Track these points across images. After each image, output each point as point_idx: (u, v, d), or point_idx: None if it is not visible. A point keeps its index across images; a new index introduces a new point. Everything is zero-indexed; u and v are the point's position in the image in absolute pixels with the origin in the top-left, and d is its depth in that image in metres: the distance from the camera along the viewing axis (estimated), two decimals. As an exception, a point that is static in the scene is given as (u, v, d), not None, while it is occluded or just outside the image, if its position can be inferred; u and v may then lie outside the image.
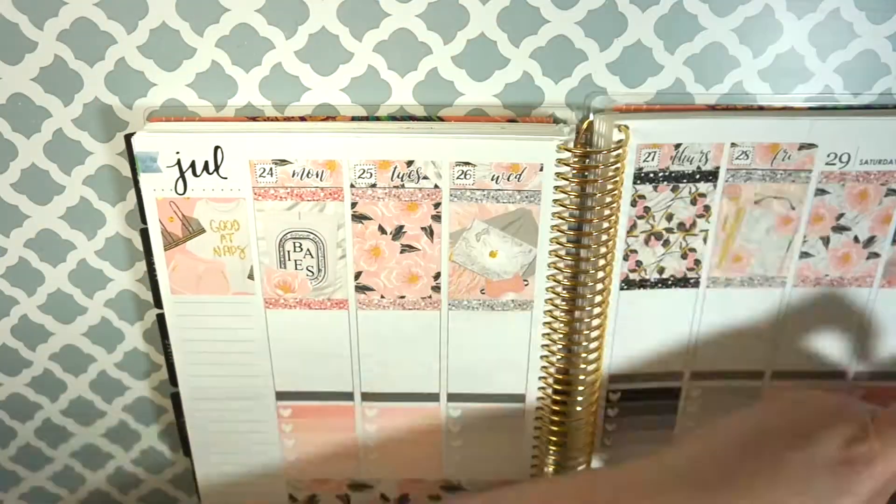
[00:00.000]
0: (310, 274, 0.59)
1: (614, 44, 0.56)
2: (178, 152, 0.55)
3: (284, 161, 0.55)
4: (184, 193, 0.56)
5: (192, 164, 0.55)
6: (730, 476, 0.49)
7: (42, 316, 0.66)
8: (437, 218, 0.57)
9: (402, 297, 0.60)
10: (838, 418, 0.50)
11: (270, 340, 0.62)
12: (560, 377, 0.63)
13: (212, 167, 0.55)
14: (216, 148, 0.55)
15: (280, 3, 0.55)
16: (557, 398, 0.63)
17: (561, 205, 0.57)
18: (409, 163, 0.55)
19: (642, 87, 0.58)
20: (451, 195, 0.56)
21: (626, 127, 0.55)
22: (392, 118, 0.58)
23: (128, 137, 0.55)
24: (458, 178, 0.56)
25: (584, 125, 0.57)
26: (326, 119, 0.58)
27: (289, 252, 0.58)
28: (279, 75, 0.57)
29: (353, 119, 0.58)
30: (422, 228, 0.58)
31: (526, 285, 0.59)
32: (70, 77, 0.57)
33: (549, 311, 0.61)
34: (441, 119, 0.58)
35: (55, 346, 0.67)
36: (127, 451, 0.73)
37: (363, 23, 0.55)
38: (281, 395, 0.64)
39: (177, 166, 0.55)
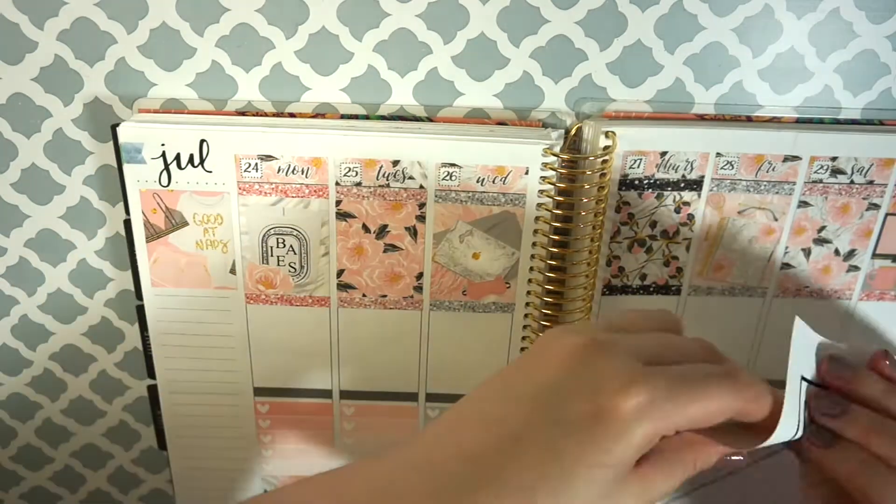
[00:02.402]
0: (292, 270, 0.59)
1: (614, 44, 0.57)
2: (163, 144, 0.55)
3: (270, 157, 0.56)
4: (168, 186, 0.57)
5: (178, 157, 0.56)
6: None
7: (42, 316, 0.67)
8: (421, 218, 0.58)
9: (384, 296, 0.60)
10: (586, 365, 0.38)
11: (250, 336, 0.62)
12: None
13: (197, 160, 0.56)
14: (202, 141, 0.55)
15: (280, 3, 0.56)
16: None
17: (545, 209, 0.57)
18: (395, 162, 0.56)
19: (642, 87, 0.58)
20: (435, 196, 0.57)
21: (614, 133, 0.55)
22: (381, 117, 0.59)
23: (114, 127, 0.56)
24: (443, 179, 0.56)
25: (573, 130, 0.57)
26: (316, 116, 0.59)
27: (272, 248, 0.59)
28: (279, 75, 0.58)
29: (343, 117, 0.58)
30: (406, 228, 0.58)
31: (507, 288, 0.59)
32: (70, 77, 0.58)
33: (530, 314, 0.60)
34: (431, 120, 0.59)
35: (55, 345, 0.68)
36: (127, 451, 0.73)
37: (363, 23, 0.56)
38: (259, 391, 0.64)
39: (161, 158, 0.56)
